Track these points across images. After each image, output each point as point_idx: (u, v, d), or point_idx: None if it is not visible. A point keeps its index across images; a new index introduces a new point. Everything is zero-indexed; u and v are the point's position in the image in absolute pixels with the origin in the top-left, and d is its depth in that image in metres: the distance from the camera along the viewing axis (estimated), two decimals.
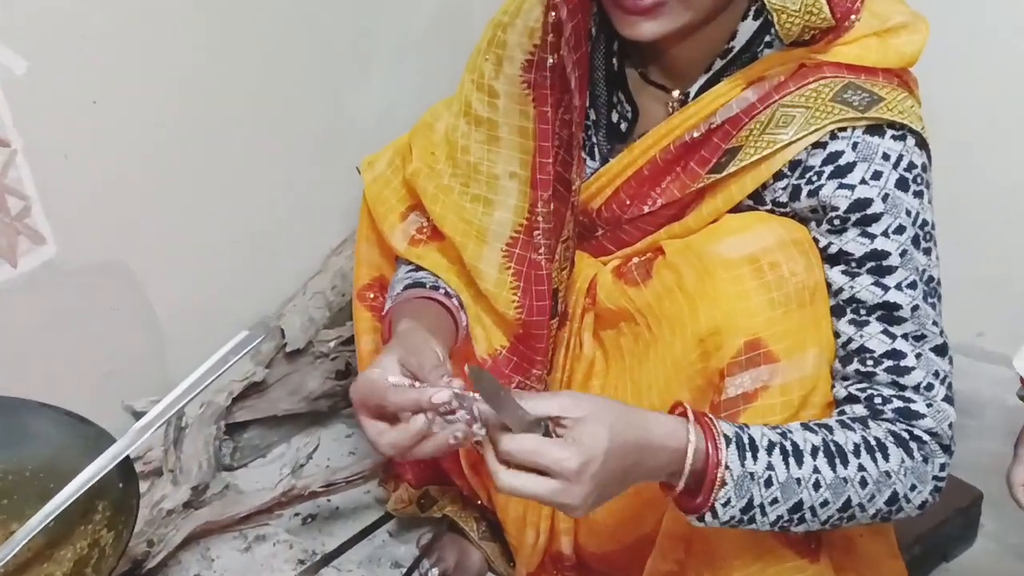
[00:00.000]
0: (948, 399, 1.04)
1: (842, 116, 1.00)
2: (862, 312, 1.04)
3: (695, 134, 1.09)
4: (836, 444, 0.99)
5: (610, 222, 1.19)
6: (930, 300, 1.04)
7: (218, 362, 1.04)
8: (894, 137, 1.01)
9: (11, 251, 1.39)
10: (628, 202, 1.16)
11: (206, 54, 1.54)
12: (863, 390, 1.04)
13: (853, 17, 1.03)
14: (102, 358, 1.56)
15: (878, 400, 1.03)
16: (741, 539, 1.07)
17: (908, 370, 1.03)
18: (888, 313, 1.03)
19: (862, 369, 1.04)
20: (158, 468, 1.48)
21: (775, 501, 0.96)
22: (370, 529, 1.54)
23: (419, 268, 1.27)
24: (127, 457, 1.01)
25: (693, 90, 1.12)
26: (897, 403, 1.03)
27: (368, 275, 1.39)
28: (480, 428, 0.89)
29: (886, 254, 1.02)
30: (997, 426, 1.59)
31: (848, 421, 1.02)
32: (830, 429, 1.00)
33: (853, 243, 1.02)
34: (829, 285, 1.05)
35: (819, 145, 1.02)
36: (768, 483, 0.95)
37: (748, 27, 1.07)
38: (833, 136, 1.02)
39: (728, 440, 0.94)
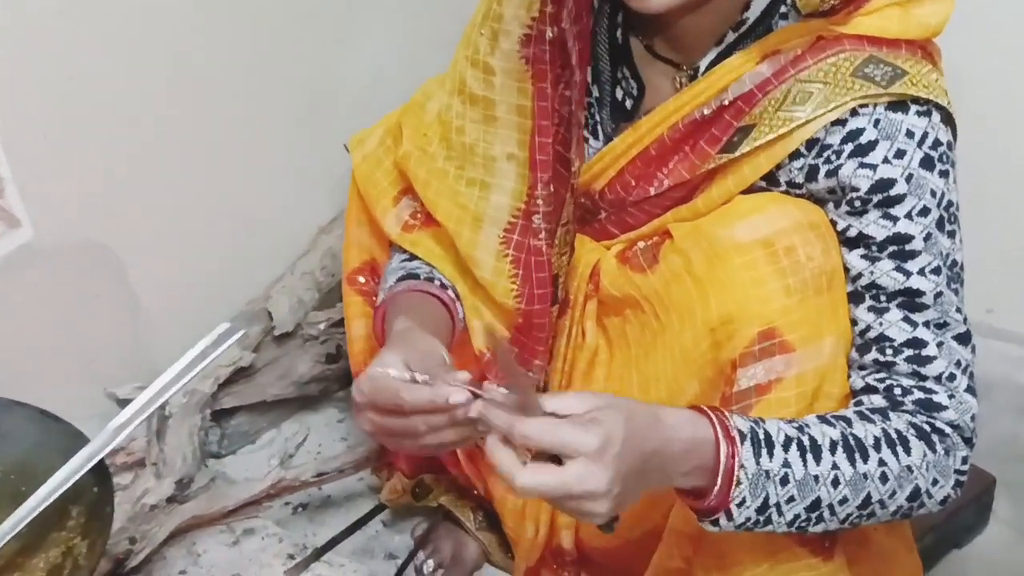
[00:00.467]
0: (970, 390, 1.01)
1: (864, 92, 0.96)
2: (882, 299, 1.00)
3: (705, 111, 1.05)
4: (856, 438, 0.95)
5: (614, 204, 1.15)
6: (953, 286, 1.01)
7: (198, 356, 0.98)
8: (918, 113, 0.97)
9: None
10: (633, 184, 1.12)
11: (187, 24, 1.49)
12: (882, 380, 1.01)
13: None
14: (83, 344, 1.53)
15: (898, 391, 1.00)
16: (753, 537, 1.02)
17: (929, 359, 0.99)
18: (910, 300, 0.99)
19: (881, 359, 1.01)
20: (141, 459, 1.44)
21: (791, 500, 0.93)
22: (362, 521, 1.51)
23: (413, 257, 1.23)
24: (102, 460, 0.96)
25: (703, 64, 1.08)
26: (918, 394, 1.00)
27: (358, 258, 1.35)
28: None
29: (909, 238, 0.98)
30: (1008, 407, 1.59)
31: (867, 412, 0.99)
32: (848, 422, 0.97)
33: (874, 226, 0.98)
34: (847, 270, 1.01)
35: (838, 122, 0.98)
36: (784, 481, 0.92)
37: None
38: (853, 113, 0.98)
39: (743, 436, 0.90)
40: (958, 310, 1.01)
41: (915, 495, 0.98)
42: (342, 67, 1.74)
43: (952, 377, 1.00)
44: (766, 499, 0.91)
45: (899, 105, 0.97)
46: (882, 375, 1.01)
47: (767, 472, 0.91)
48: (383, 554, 1.50)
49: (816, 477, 0.93)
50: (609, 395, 0.88)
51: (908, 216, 0.97)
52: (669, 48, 1.10)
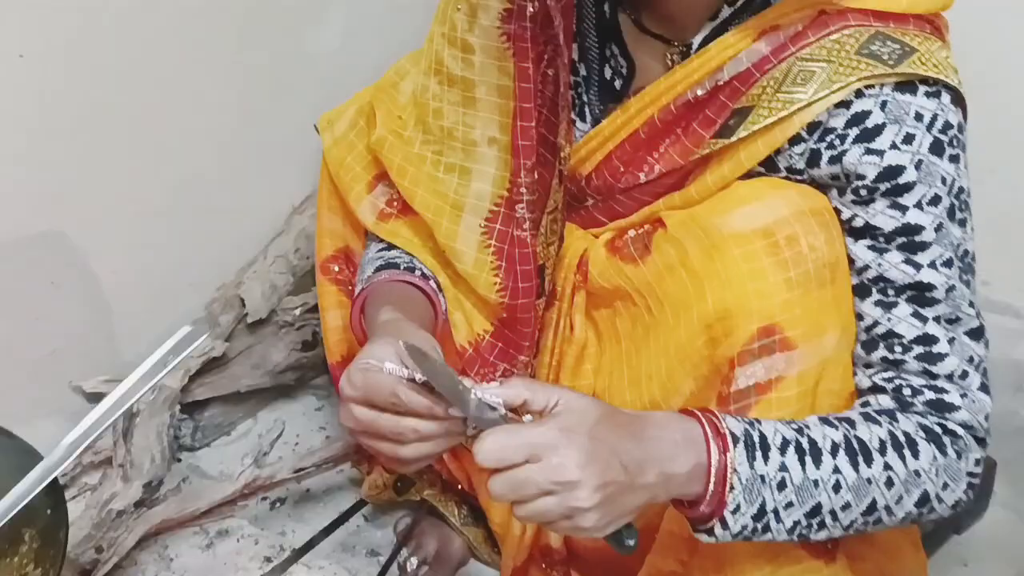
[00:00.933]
0: (984, 387, 0.97)
1: (870, 72, 0.91)
2: (890, 292, 0.95)
3: (699, 91, 0.99)
4: (859, 440, 0.91)
5: (601, 191, 1.10)
6: (965, 278, 0.96)
7: (156, 364, 0.91)
8: (928, 94, 0.92)
9: None
10: (622, 169, 1.06)
11: (145, 2, 1.40)
12: (890, 380, 0.97)
13: None
14: (44, 338, 1.46)
15: (907, 391, 0.96)
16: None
17: (941, 357, 0.95)
18: (919, 294, 0.94)
19: (889, 356, 0.96)
20: (108, 458, 1.38)
21: (790, 505, 0.88)
22: (342, 519, 1.46)
23: (391, 246, 1.17)
24: (56, 480, 0.89)
25: (696, 41, 1.02)
26: (929, 394, 0.96)
27: (331, 246, 1.29)
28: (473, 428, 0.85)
29: (919, 228, 0.93)
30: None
31: (873, 414, 0.95)
32: (852, 423, 0.93)
33: (882, 216, 0.93)
34: (852, 261, 0.96)
35: (842, 104, 0.93)
36: (781, 486, 0.88)
37: None
38: (859, 94, 0.92)
39: (735, 439, 0.86)
40: (971, 304, 0.97)
41: (924, 500, 0.94)
42: (313, 34, 1.66)
43: (964, 375, 0.96)
44: (763, 505, 0.87)
45: (907, 86, 0.92)
46: (890, 374, 0.97)
47: (762, 476, 0.87)
48: (365, 551, 1.45)
49: (816, 481, 0.89)
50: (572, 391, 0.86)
51: (918, 206, 0.92)
52: (660, 23, 1.05)
